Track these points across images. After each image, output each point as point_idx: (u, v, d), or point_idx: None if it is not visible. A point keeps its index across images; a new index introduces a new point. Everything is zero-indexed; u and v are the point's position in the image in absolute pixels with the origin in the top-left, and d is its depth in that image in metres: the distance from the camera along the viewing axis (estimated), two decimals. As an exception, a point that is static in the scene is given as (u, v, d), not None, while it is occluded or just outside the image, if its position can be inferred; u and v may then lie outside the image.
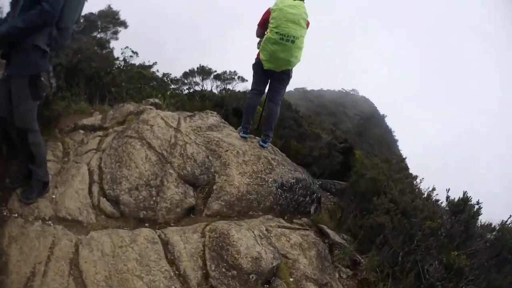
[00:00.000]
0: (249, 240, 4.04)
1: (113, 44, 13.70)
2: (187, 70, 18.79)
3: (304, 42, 5.39)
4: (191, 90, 16.74)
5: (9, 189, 4.11)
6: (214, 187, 5.00)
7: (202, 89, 17.79)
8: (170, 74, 18.39)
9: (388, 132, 67.68)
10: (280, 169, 5.65)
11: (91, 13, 12.36)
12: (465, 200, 5.23)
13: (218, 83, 18.67)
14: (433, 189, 6.30)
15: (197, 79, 18.72)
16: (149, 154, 4.80)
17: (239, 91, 17.26)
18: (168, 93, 12.24)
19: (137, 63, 16.18)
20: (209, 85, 19.15)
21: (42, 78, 3.75)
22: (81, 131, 6.00)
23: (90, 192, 4.49)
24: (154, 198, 4.48)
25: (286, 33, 5.13)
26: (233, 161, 5.39)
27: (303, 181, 5.83)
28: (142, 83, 12.95)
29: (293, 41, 5.18)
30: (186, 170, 4.86)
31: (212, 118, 6.89)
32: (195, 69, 18.54)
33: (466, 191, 5.33)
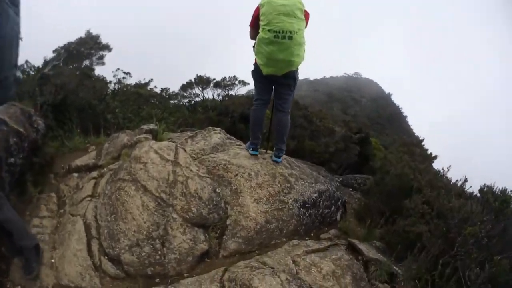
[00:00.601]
0: (275, 289, 3.46)
1: (101, 69, 13.12)
2: (185, 83, 18.04)
3: (305, 36, 4.62)
4: (192, 103, 16.05)
5: (8, 259, 3.92)
6: (228, 221, 4.39)
7: (203, 99, 17.08)
8: (169, 88, 17.68)
9: (396, 109, 67.12)
10: (299, 186, 5.01)
11: (70, 43, 11.65)
12: (507, 198, 4.92)
13: (219, 91, 17.90)
14: (465, 180, 5.85)
15: (197, 90, 17.96)
16: (145, 201, 4.14)
17: (242, 95, 16.66)
18: (167, 112, 11.62)
19: (133, 83, 15.63)
20: (210, 94, 18.39)
21: None
22: (75, 175, 5.55)
23: (89, 251, 4.07)
24: (159, 252, 3.89)
25: (280, 28, 4.35)
26: (245, 186, 4.73)
27: (327, 192, 5.26)
28: (140, 103, 12.46)
29: (290, 37, 4.38)
30: (192, 212, 4.19)
31: (216, 136, 6.20)
32: (193, 80, 17.76)
33: (506, 188, 5.09)
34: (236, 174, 4.87)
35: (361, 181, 9.04)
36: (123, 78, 14.98)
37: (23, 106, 5.67)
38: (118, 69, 14.89)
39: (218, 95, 17.59)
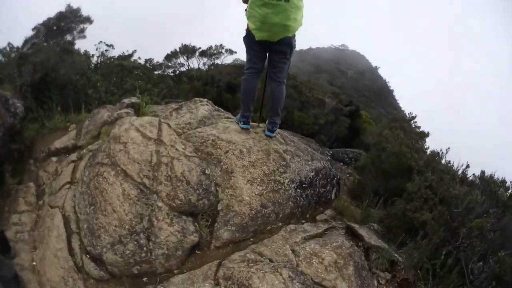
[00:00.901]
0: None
1: (82, 43, 12.45)
2: (169, 52, 17.10)
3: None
4: (177, 73, 15.35)
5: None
6: (219, 206, 3.94)
7: (189, 69, 16.39)
8: (153, 59, 16.64)
9: (383, 83, 66.95)
10: (295, 164, 4.57)
11: (50, 18, 10.86)
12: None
13: (205, 60, 17.09)
14: (467, 166, 5.57)
15: (182, 59, 17.10)
16: (126, 188, 3.61)
17: (228, 64, 16.00)
18: (151, 83, 11.12)
19: (116, 55, 15.02)
20: (196, 64, 17.57)
21: None
22: (54, 159, 5.17)
23: (70, 249, 3.73)
24: (145, 248, 3.44)
25: None
26: (237, 165, 4.26)
27: (323, 170, 4.88)
28: (123, 76, 11.92)
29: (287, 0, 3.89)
30: (179, 199, 3.68)
31: (203, 108, 5.64)
32: (178, 50, 16.87)
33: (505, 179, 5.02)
34: (227, 151, 4.40)
35: (353, 156, 9.33)
36: (105, 51, 14.33)
37: (-1, 90, 5.27)
38: (101, 41, 14.23)
39: (204, 64, 16.87)
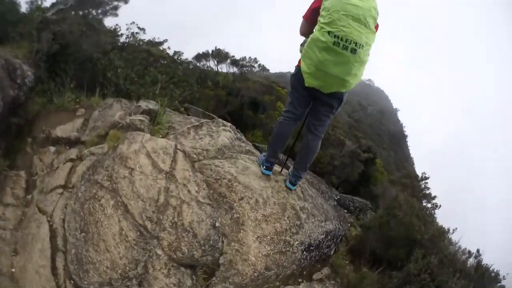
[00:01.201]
0: None
1: (113, 21, 11.89)
2: (201, 52, 16.41)
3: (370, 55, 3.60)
4: (203, 74, 14.66)
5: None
6: (221, 259, 3.53)
7: (216, 72, 15.68)
8: (182, 53, 15.95)
9: (398, 126, 67.02)
10: (309, 225, 4.19)
11: None
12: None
13: (235, 69, 16.44)
14: (469, 255, 5.61)
15: (211, 63, 16.48)
16: (125, 228, 3.20)
17: (257, 80, 15.37)
18: (174, 80, 10.62)
19: (146, 40, 14.27)
20: (224, 70, 16.86)
21: None
22: (52, 149, 4.77)
23: (53, 268, 3.42)
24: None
25: (344, 35, 3.28)
26: (249, 217, 3.84)
27: (333, 232, 4.64)
28: (147, 63, 11.43)
29: (354, 50, 3.31)
30: (181, 252, 3.26)
31: (225, 134, 5.16)
32: (210, 52, 16.21)
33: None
34: (242, 198, 3.98)
35: (359, 206, 8.73)
36: (136, 33, 13.71)
37: (8, 57, 4.95)
38: (133, 22, 13.41)
39: (233, 74, 16.16)
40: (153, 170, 3.55)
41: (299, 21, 3.88)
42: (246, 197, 3.99)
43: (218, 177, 4.14)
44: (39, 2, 8.92)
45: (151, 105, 5.66)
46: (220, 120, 5.66)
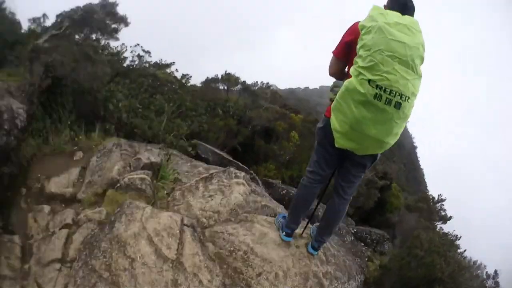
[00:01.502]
0: None
1: (114, 44, 11.34)
2: (210, 77, 15.46)
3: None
4: (212, 103, 13.96)
5: None
6: None
7: (226, 98, 14.88)
8: (190, 76, 15.44)
9: (408, 138, 67.27)
10: (332, 290, 3.66)
11: (77, 8, 9.00)
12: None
13: (246, 95, 15.51)
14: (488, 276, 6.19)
15: (221, 87, 15.58)
16: None
17: (269, 107, 14.60)
18: (180, 118, 10.15)
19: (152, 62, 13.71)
20: (234, 95, 15.80)
21: None
22: (46, 209, 4.25)
23: None
24: None
25: (389, 85, 2.54)
26: (269, 297, 3.26)
27: None
28: (153, 90, 11.00)
29: (398, 104, 2.59)
30: None
31: (238, 189, 4.55)
32: (219, 76, 15.27)
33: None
34: (259, 274, 3.41)
35: (376, 238, 8.70)
36: (141, 56, 13.17)
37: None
38: (138, 44, 12.73)
39: (244, 101, 15.31)
40: (157, 260, 3.00)
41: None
42: (264, 272, 3.45)
43: (232, 249, 3.59)
44: (42, 20, 8.41)
45: (153, 156, 5.08)
46: (232, 169, 5.07)
